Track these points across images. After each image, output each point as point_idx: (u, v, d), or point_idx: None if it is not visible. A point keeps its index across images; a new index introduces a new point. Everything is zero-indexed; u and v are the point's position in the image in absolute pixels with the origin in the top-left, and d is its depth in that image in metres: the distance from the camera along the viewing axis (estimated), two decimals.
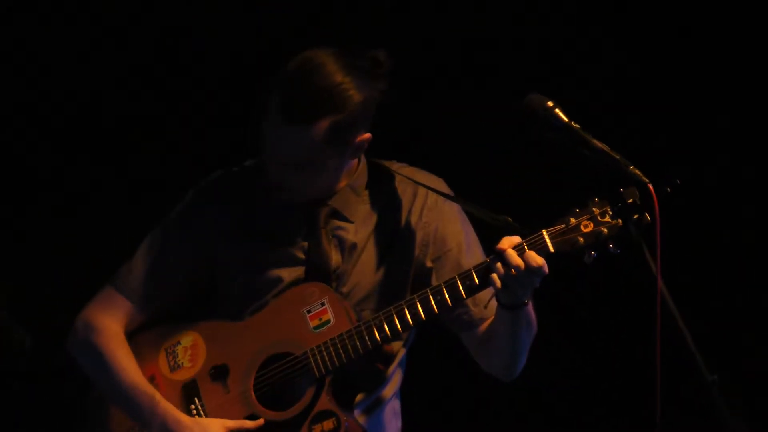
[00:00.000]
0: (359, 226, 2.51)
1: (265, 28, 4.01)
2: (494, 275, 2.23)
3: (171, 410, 2.51)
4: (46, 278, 4.04)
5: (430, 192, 2.49)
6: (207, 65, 3.99)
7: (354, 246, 2.49)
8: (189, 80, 4.06)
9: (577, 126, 2.28)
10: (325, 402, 2.36)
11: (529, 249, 2.20)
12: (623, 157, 2.15)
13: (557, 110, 2.30)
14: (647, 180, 2.10)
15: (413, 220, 2.50)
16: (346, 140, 2.34)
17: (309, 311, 2.46)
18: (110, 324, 2.58)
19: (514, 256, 2.20)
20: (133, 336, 2.57)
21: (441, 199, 2.51)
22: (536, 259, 2.20)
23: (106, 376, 2.52)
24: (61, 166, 4.04)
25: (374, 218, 2.53)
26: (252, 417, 2.45)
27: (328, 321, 2.44)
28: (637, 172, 2.18)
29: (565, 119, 2.25)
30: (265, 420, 2.43)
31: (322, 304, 2.47)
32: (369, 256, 2.52)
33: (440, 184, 2.54)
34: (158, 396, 2.51)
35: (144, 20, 4.00)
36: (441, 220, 2.52)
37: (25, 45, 3.94)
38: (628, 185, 2.21)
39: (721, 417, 2.35)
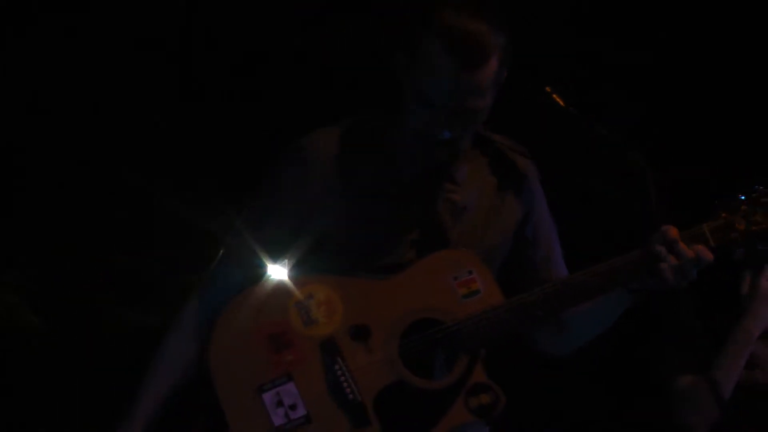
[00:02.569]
0: (467, 187, 2.47)
1: None
2: (664, 265, 2.27)
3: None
4: (57, 262, 4.09)
5: (529, 165, 2.48)
6: None
7: (463, 209, 2.46)
8: None
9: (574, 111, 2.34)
10: (480, 374, 2.32)
11: (693, 243, 2.28)
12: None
13: (554, 95, 2.33)
14: None
15: (515, 189, 2.48)
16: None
17: (456, 278, 2.40)
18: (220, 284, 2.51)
19: (687, 250, 2.25)
20: (252, 290, 2.49)
21: (536, 175, 2.52)
22: (707, 254, 2.27)
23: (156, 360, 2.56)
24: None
25: (477, 181, 2.48)
26: (399, 384, 2.38)
27: (478, 291, 2.38)
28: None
29: (562, 103, 2.29)
30: (417, 389, 2.36)
31: (470, 273, 2.40)
32: (476, 220, 2.48)
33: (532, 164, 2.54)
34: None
35: None
36: (539, 197, 2.52)
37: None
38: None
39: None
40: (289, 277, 2.47)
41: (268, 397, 2.37)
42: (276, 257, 2.47)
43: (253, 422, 2.36)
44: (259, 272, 2.47)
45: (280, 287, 2.44)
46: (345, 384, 2.36)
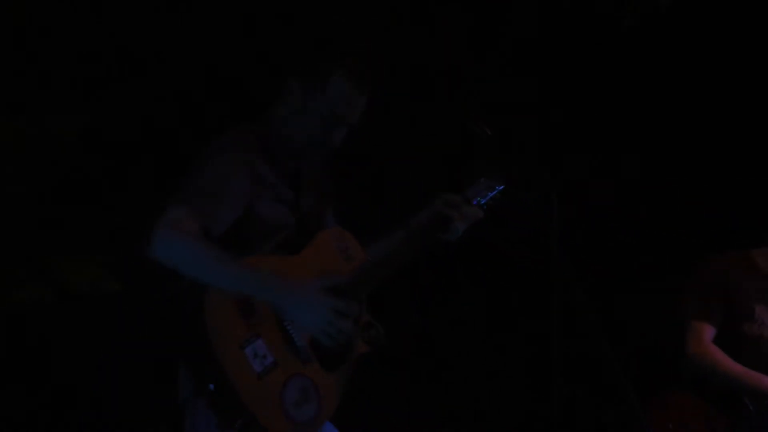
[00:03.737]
0: (319, 179, 3.38)
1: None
2: (455, 224, 3.35)
3: (276, 275, 3.06)
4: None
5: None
6: None
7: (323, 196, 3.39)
8: None
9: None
10: (366, 315, 3.28)
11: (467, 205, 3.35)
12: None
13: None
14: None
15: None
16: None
17: (338, 248, 3.33)
18: (193, 230, 3.00)
19: (469, 209, 3.36)
20: None
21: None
22: (479, 212, 3.38)
23: (218, 263, 2.96)
24: None
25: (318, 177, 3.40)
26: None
27: (352, 256, 3.34)
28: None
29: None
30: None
31: (345, 242, 3.36)
32: (322, 204, 3.40)
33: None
34: (262, 266, 3.04)
35: None
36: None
37: None
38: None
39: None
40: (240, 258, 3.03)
41: (248, 351, 2.95)
42: (228, 219, 3.08)
43: (244, 372, 2.93)
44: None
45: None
46: (292, 334, 3.03)
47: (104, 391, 5.57)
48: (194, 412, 3.12)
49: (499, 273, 5.72)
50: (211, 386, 2.97)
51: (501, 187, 3.48)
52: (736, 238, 4.57)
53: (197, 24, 5.25)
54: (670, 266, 5.53)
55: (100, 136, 5.38)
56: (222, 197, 3.03)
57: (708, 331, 4.35)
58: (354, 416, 3.55)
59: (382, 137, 4.58)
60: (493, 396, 5.93)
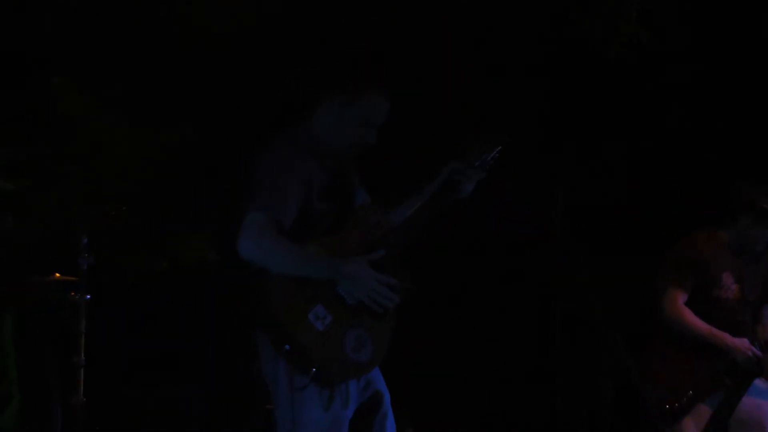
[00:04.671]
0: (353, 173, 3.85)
1: None
2: (464, 185, 3.80)
3: (330, 258, 3.60)
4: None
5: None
6: None
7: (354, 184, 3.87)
8: None
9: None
10: (395, 273, 3.64)
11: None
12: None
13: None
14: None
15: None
16: None
17: (372, 219, 3.75)
18: (269, 231, 3.51)
19: (472, 170, 3.77)
20: None
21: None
22: (483, 173, 3.79)
23: (294, 256, 3.53)
24: None
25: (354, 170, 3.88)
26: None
27: (382, 225, 3.75)
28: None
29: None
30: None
31: (378, 214, 3.78)
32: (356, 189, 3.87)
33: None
34: (319, 250, 3.59)
35: None
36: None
37: None
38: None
39: None
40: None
41: (311, 316, 3.46)
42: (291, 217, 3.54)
43: (310, 332, 3.46)
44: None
45: None
46: (345, 297, 3.54)
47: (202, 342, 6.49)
48: (276, 368, 3.60)
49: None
50: (287, 347, 3.50)
51: (498, 149, 3.88)
52: (704, 221, 5.09)
53: (263, 64, 6.34)
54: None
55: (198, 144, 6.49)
56: (288, 200, 3.55)
57: (681, 296, 4.88)
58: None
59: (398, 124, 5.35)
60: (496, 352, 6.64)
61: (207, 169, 6.54)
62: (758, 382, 4.89)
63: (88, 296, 5.70)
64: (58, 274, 5.80)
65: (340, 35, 6.27)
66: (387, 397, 3.87)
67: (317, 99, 3.77)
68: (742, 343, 4.83)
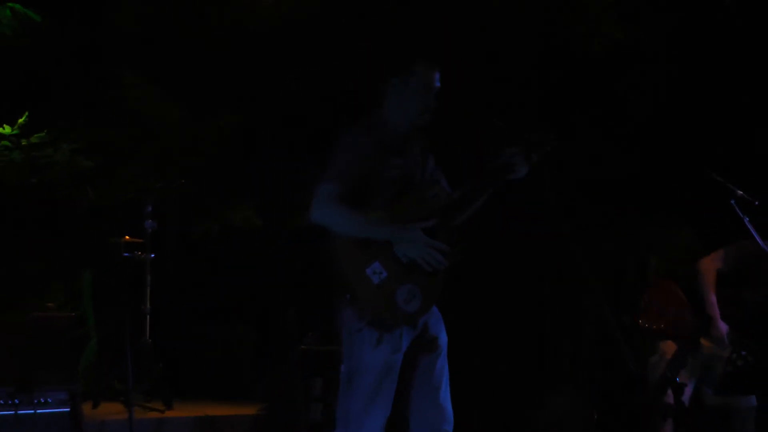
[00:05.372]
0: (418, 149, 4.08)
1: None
2: (517, 168, 3.98)
3: (390, 223, 3.87)
4: None
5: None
6: None
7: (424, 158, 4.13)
8: None
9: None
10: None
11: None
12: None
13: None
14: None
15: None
16: None
17: (433, 190, 4.03)
18: (338, 199, 3.82)
19: (520, 157, 3.97)
20: None
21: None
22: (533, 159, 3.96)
23: (356, 221, 3.84)
24: None
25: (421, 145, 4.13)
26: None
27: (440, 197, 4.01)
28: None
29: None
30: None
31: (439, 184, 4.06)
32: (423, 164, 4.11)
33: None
34: (381, 217, 3.88)
35: None
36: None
37: None
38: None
39: None
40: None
41: (368, 271, 3.80)
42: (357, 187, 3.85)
43: (367, 284, 3.78)
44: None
45: None
46: (400, 257, 3.81)
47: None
48: (342, 314, 3.92)
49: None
50: (348, 296, 3.82)
51: (552, 143, 4.08)
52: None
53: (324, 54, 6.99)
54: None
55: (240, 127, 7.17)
56: (356, 172, 3.86)
57: (720, 264, 5.24)
58: None
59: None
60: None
61: (249, 148, 7.21)
62: None
63: (153, 255, 6.21)
64: (127, 237, 6.31)
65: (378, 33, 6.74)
66: (443, 344, 4.10)
67: (381, 90, 4.07)
68: (720, 335, 5.17)
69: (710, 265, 5.28)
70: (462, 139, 5.76)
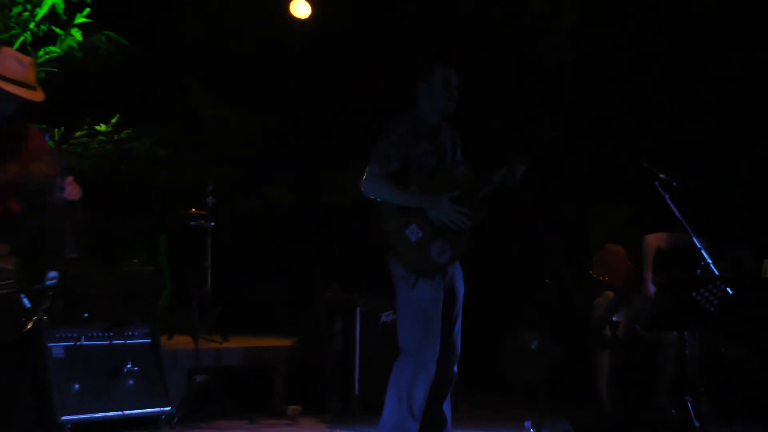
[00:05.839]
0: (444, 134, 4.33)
1: None
2: (518, 172, 4.17)
3: (424, 195, 4.02)
4: None
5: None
6: None
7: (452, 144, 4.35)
8: None
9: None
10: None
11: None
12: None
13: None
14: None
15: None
16: None
17: (459, 175, 4.19)
18: (383, 177, 4.03)
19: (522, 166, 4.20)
20: None
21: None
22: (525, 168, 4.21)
23: (395, 194, 3.99)
24: None
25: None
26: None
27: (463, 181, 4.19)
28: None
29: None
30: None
31: (466, 170, 4.23)
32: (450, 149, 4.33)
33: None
34: (417, 191, 4.06)
35: None
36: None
37: None
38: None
39: None
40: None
41: (407, 231, 4.02)
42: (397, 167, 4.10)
43: (405, 241, 3.97)
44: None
45: None
46: (433, 220, 3.97)
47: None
48: (390, 266, 4.11)
49: None
50: (392, 252, 4.05)
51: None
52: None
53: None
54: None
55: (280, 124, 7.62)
56: (395, 155, 4.08)
57: (662, 244, 5.52)
58: None
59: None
60: None
61: (285, 141, 7.67)
62: None
63: (212, 223, 6.36)
64: (193, 209, 6.43)
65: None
66: (461, 293, 4.24)
67: (413, 93, 4.25)
68: (648, 292, 5.41)
69: (654, 242, 5.59)
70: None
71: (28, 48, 5.61)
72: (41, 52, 5.68)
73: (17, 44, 5.54)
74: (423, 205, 3.99)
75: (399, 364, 3.99)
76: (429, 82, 4.15)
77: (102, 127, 6.41)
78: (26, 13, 5.63)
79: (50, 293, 3.49)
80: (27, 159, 3.61)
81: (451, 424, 4.32)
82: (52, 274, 3.48)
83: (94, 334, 5.13)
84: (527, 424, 4.93)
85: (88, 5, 5.71)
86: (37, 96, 3.70)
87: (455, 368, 4.22)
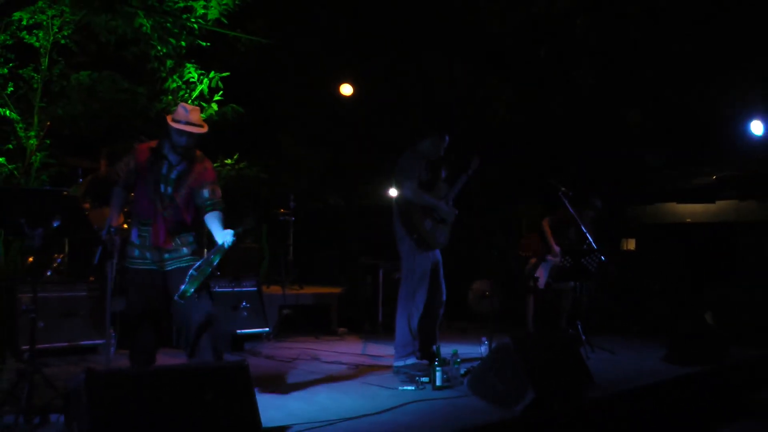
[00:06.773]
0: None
1: None
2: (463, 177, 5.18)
3: (437, 201, 4.64)
4: None
5: None
6: None
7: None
8: None
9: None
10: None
11: None
12: None
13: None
14: None
15: None
16: None
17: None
18: (416, 188, 4.72)
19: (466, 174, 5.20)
20: None
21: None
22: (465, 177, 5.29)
23: (423, 199, 4.46)
24: None
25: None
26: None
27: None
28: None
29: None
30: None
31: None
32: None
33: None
34: (433, 198, 4.82)
35: None
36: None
37: None
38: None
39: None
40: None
41: (426, 222, 4.54)
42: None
43: (425, 227, 4.47)
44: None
45: None
46: (438, 217, 4.67)
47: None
48: (406, 244, 4.51)
49: None
50: (415, 236, 4.50)
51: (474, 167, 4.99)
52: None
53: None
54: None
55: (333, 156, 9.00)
56: (416, 175, 4.63)
57: (550, 222, 6.13)
58: None
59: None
60: None
61: (337, 167, 8.98)
62: None
63: (293, 218, 7.13)
64: (282, 210, 7.12)
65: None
66: (440, 260, 4.60)
67: (423, 138, 4.95)
68: (556, 254, 5.91)
69: (547, 223, 6.30)
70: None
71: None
72: None
73: None
74: (435, 207, 4.38)
75: (401, 303, 4.44)
76: (428, 141, 4.57)
77: (228, 161, 6.95)
78: (185, 94, 6.31)
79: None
80: (199, 175, 3.84)
81: (438, 340, 4.77)
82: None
83: (224, 284, 5.50)
84: (484, 339, 5.18)
85: (221, 89, 6.33)
86: (202, 130, 3.81)
87: (441, 311, 4.66)
